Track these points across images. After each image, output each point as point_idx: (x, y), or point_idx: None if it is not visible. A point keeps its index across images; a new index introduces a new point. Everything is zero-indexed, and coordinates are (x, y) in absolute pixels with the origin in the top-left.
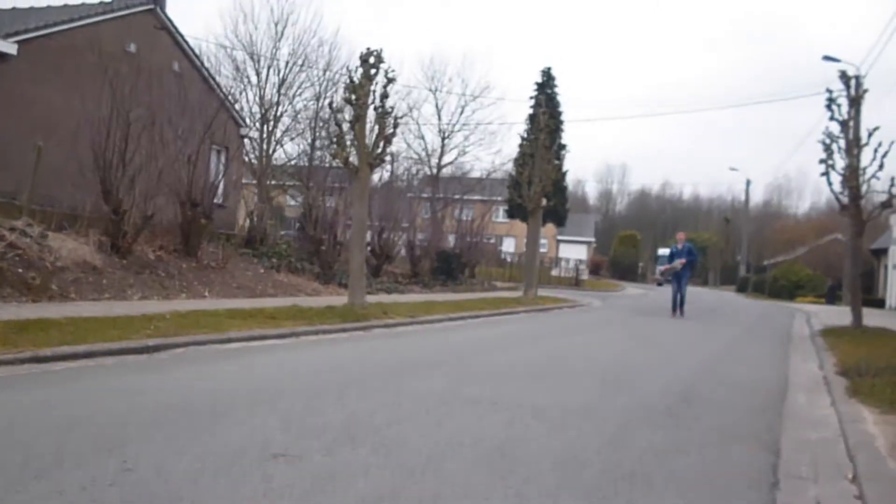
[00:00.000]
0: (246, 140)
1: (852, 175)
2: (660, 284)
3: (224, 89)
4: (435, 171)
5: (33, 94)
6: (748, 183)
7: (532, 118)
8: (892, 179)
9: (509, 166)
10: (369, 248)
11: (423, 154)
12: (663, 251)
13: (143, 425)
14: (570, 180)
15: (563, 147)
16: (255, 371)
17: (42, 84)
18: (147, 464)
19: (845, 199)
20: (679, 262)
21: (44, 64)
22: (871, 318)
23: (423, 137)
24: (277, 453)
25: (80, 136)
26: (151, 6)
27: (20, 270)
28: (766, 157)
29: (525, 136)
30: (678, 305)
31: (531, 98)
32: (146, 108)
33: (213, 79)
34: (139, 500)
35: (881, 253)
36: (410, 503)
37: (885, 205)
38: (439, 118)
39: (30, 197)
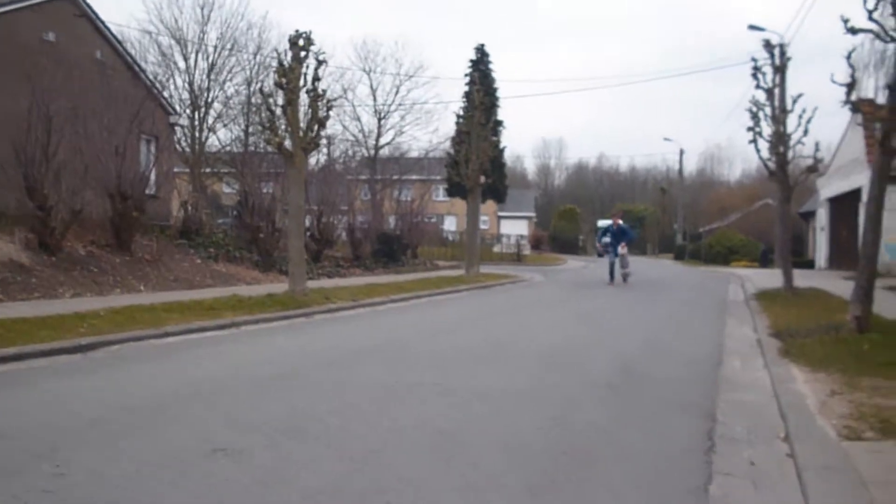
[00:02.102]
0: (176, 128)
1: (779, 141)
2: (600, 255)
3: (151, 76)
4: (372, 152)
5: None
6: (682, 153)
7: (467, 96)
8: (817, 144)
9: (447, 145)
10: (308, 234)
11: (360, 136)
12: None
13: (78, 428)
14: (508, 156)
15: (499, 123)
16: (195, 365)
17: None
18: (81, 468)
19: (773, 166)
20: (621, 248)
21: None
22: (802, 279)
23: (359, 119)
24: (218, 448)
25: None
26: None
27: None
28: (699, 128)
29: (461, 114)
30: (614, 275)
31: (466, 76)
32: (68, 99)
33: (139, 66)
34: None
35: (809, 216)
36: (354, 495)
37: (811, 169)
38: (375, 99)
39: None
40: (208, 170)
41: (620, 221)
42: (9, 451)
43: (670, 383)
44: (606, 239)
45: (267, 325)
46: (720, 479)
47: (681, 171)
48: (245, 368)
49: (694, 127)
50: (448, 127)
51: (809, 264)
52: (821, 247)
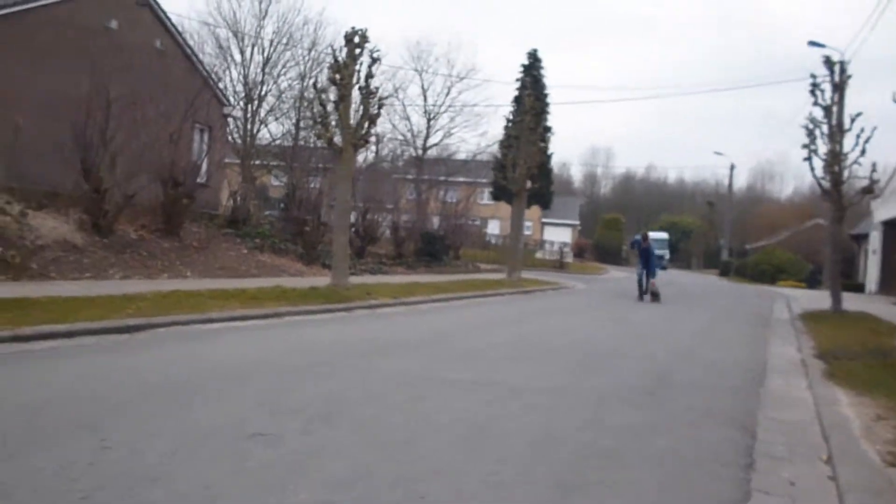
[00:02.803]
0: (229, 119)
1: (834, 160)
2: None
3: (207, 67)
4: (420, 152)
5: (10, 70)
6: (732, 167)
7: (518, 100)
8: (874, 165)
9: (495, 148)
10: (353, 230)
11: (409, 135)
12: (637, 237)
13: (121, 405)
14: (555, 163)
15: (548, 129)
16: (236, 352)
17: (19, 61)
18: (123, 443)
19: (827, 185)
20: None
21: (21, 40)
22: (851, 302)
23: (408, 118)
24: (255, 433)
25: (60, 114)
26: None
27: None
28: (751, 143)
29: (511, 118)
30: (644, 290)
31: (517, 80)
32: (127, 86)
33: (197, 57)
34: (117, 478)
35: (862, 238)
36: (386, 482)
37: (866, 190)
38: (425, 99)
39: (8, 174)
40: (258, 162)
41: (651, 241)
42: (57, 422)
43: (709, 395)
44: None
45: (309, 316)
46: (759, 497)
47: (730, 185)
48: (284, 357)
49: (745, 141)
50: (496, 130)
51: (859, 288)
52: (871, 270)
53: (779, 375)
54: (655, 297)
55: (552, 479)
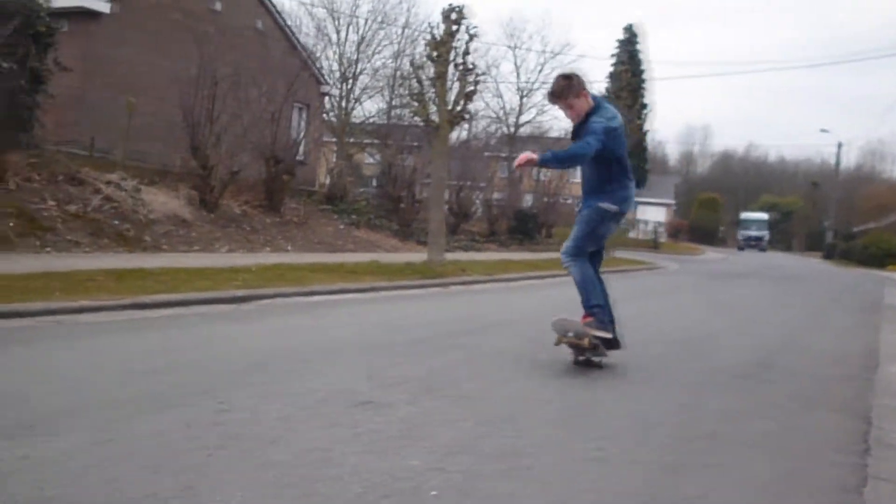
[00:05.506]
0: (325, 98)
1: None
2: (741, 249)
3: (305, 47)
4: (513, 130)
5: (122, 52)
6: (839, 145)
7: (612, 77)
8: None
9: None
10: (447, 207)
11: (501, 113)
12: (746, 215)
13: (235, 371)
14: (649, 141)
15: (644, 107)
16: (338, 323)
17: (131, 42)
18: (241, 406)
19: None
20: None
21: (132, 23)
22: None
23: (501, 96)
24: (364, 401)
25: (169, 94)
26: None
27: (116, 222)
28: (859, 122)
29: (605, 95)
30: None
31: (612, 56)
32: (231, 66)
33: (295, 37)
34: (238, 438)
35: None
36: (492, 452)
37: None
38: (518, 76)
39: (123, 152)
40: (353, 140)
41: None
42: (179, 386)
43: (817, 380)
44: (749, 232)
45: (404, 291)
46: (875, 484)
47: (837, 164)
48: (385, 330)
49: (853, 120)
50: None
51: None
52: None
53: (893, 363)
54: None
55: (657, 459)
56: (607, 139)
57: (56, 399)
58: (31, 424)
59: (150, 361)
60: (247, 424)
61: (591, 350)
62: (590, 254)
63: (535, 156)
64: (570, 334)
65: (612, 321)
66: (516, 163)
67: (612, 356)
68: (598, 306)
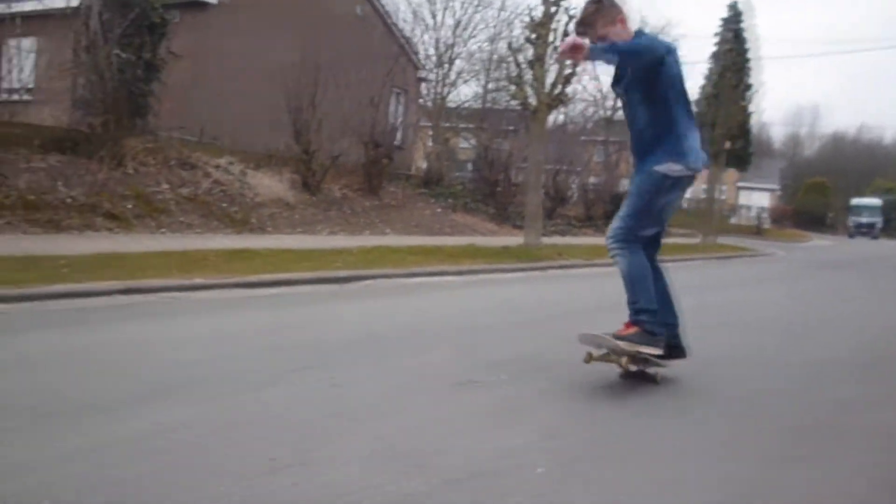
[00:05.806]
0: (422, 83)
1: None
2: (851, 236)
3: (402, 32)
4: (609, 113)
5: (230, 41)
6: None
7: (715, 56)
8: None
9: None
10: (543, 190)
11: (598, 96)
12: (857, 201)
13: (342, 349)
14: (753, 123)
15: (749, 87)
16: (438, 304)
17: (238, 31)
18: (349, 380)
19: None
20: None
21: (239, 11)
22: None
23: (597, 79)
24: (467, 380)
25: (273, 81)
26: None
27: (224, 205)
28: None
29: (708, 75)
30: None
31: (715, 35)
32: (332, 52)
33: (393, 22)
34: (352, 410)
35: None
36: (596, 435)
37: None
38: None
39: (232, 138)
40: (448, 124)
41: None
42: (290, 361)
43: None
44: (860, 219)
45: (502, 275)
46: None
47: None
48: (485, 312)
49: None
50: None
51: None
52: None
53: None
54: None
55: (765, 450)
56: (669, 57)
57: (178, 371)
58: (157, 393)
59: (262, 338)
60: (358, 399)
61: (643, 362)
62: (647, 239)
63: (585, 41)
64: (604, 351)
65: (671, 324)
66: (560, 49)
67: (715, 344)
68: (646, 311)
